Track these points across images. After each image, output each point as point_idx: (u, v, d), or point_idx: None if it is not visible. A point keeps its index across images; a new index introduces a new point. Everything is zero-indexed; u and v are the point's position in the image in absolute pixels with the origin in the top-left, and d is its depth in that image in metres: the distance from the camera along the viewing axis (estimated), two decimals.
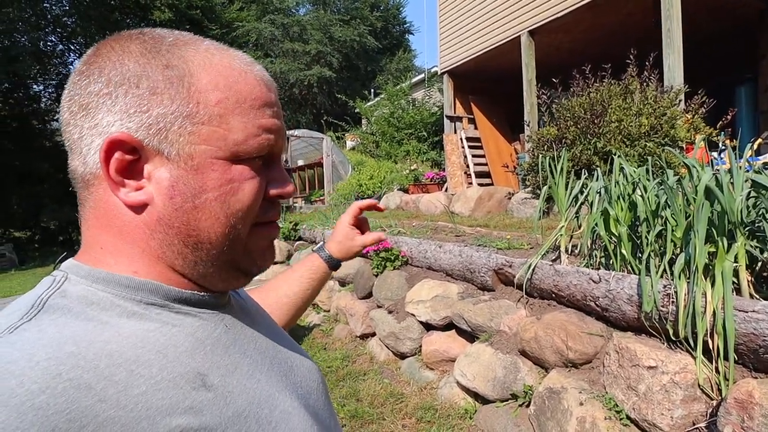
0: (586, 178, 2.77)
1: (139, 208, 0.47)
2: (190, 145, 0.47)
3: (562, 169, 2.78)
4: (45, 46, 17.66)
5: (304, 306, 0.95)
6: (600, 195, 2.42)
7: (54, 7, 17.77)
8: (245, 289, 0.74)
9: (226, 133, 0.48)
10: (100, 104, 0.46)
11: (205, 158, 0.48)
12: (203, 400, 0.43)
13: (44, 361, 0.37)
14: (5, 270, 13.11)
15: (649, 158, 2.88)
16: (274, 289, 0.93)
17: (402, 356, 3.41)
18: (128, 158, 0.46)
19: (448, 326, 3.10)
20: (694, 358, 1.70)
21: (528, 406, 2.25)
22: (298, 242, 6.39)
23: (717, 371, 1.66)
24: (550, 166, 2.83)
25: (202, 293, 0.52)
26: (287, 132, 12.53)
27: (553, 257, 2.74)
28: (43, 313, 0.42)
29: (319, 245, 1.02)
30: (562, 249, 2.66)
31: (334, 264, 0.99)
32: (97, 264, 0.48)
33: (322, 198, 10.72)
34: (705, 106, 4.22)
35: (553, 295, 2.49)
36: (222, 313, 0.53)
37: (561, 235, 2.68)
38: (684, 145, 3.97)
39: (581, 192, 2.71)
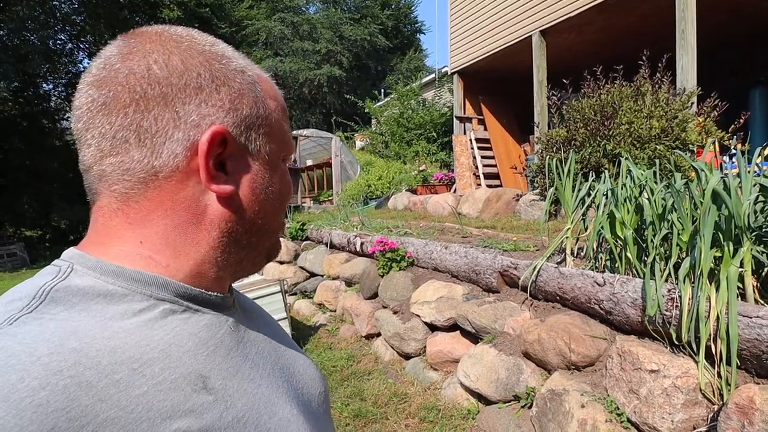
0: (593, 181, 2.76)
1: (225, 199, 0.50)
2: (266, 145, 0.53)
3: (569, 171, 2.77)
4: (54, 44, 17.76)
5: None
6: (606, 197, 2.40)
7: (63, 5, 17.87)
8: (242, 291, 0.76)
9: (283, 135, 0.56)
10: (188, 97, 0.47)
11: (275, 156, 0.55)
12: (204, 402, 0.43)
13: (46, 356, 0.36)
14: (17, 268, 13.29)
15: (658, 161, 2.85)
16: None
17: (407, 356, 3.41)
18: (218, 151, 0.49)
19: (453, 327, 3.11)
20: (697, 362, 1.69)
21: (530, 407, 2.24)
22: (305, 242, 6.42)
23: (719, 376, 1.65)
24: (557, 168, 2.82)
25: (210, 293, 0.51)
26: (296, 131, 12.61)
27: (559, 260, 2.74)
28: (45, 305, 0.40)
29: None
30: (568, 251, 2.65)
31: None
32: (115, 257, 0.46)
33: (330, 198, 10.75)
34: (717, 109, 4.16)
35: (558, 298, 2.48)
36: (226, 313, 0.53)
37: (567, 237, 2.67)
38: (695, 149, 3.92)
39: (588, 194, 2.69)
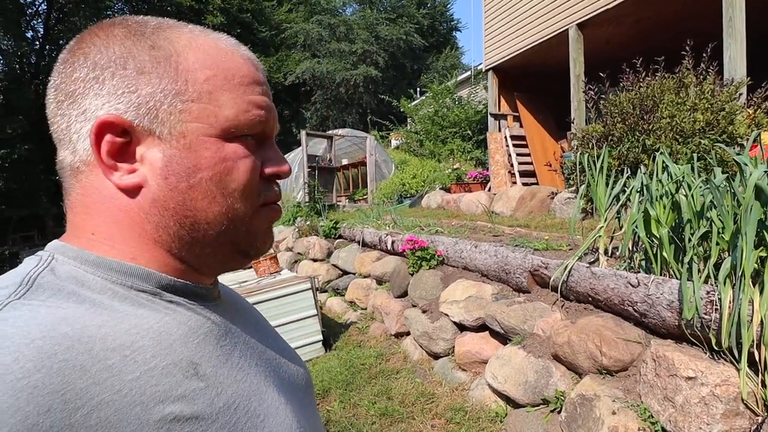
0: (628, 177, 2.64)
1: (133, 192, 0.47)
2: (181, 124, 0.47)
3: (602, 167, 2.66)
4: None
5: None
6: (641, 194, 2.29)
7: (116, 14, 18.83)
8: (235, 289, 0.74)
9: (217, 109, 0.48)
10: (87, 89, 0.46)
11: (197, 136, 0.47)
12: (195, 389, 0.43)
13: (39, 339, 0.36)
14: None
15: (699, 156, 2.70)
16: None
17: (435, 356, 3.38)
18: (119, 141, 0.46)
19: (482, 327, 3.05)
20: (738, 370, 1.58)
21: (559, 412, 2.17)
22: (338, 240, 6.47)
23: (763, 385, 1.53)
24: (589, 164, 2.72)
25: (194, 284, 0.51)
26: (331, 131, 12.72)
27: (592, 259, 2.63)
28: (32, 292, 0.41)
29: None
30: (601, 251, 2.54)
31: None
32: (89, 248, 0.47)
33: (365, 197, 10.79)
34: None
35: (590, 299, 2.38)
36: (213, 306, 0.53)
37: (600, 236, 2.57)
38: (744, 143, 3.69)
39: (623, 191, 2.58)
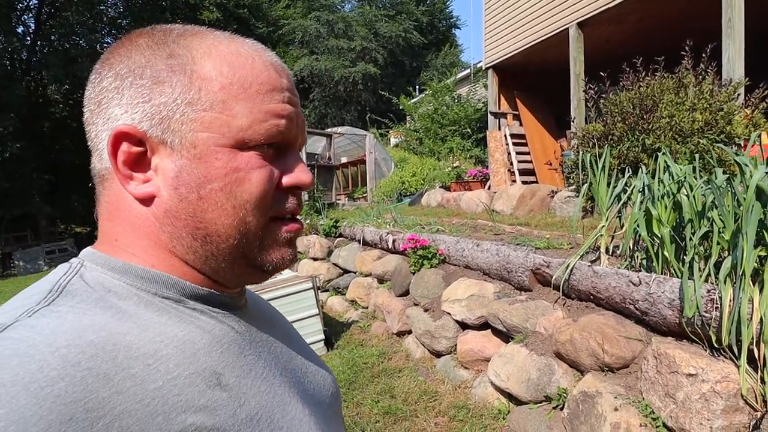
0: (629, 176, 2.67)
1: (147, 201, 0.47)
2: (192, 133, 0.46)
3: (603, 166, 2.69)
4: (101, 47, 18.52)
5: None
6: (642, 194, 2.32)
7: (110, 10, 18.72)
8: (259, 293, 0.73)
9: (230, 119, 0.46)
10: (110, 99, 0.47)
11: (208, 146, 0.46)
12: (218, 399, 0.43)
13: (64, 347, 0.36)
14: None
15: (698, 156, 2.73)
16: None
17: (437, 354, 3.41)
18: (135, 150, 0.46)
19: (484, 326, 3.08)
20: (738, 366, 1.61)
21: (561, 409, 2.20)
22: (338, 239, 6.49)
23: (762, 381, 1.57)
24: (591, 163, 2.75)
25: (219, 293, 0.51)
26: (330, 129, 12.70)
27: (593, 258, 2.66)
28: (61, 298, 0.41)
29: None
30: (602, 250, 2.57)
31: None
32: (115, 255, 0.48)
33: (364, 195, 10.80)
34: (767, 100, 3.94)
35: (591, 297, 2.42)
36: (238, 315, 0.53)
37: (601, 235, 2.60)
38: (742, 142, 3.73)
39: (624, 191, 2.61)
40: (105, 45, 19.37)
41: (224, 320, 0.50)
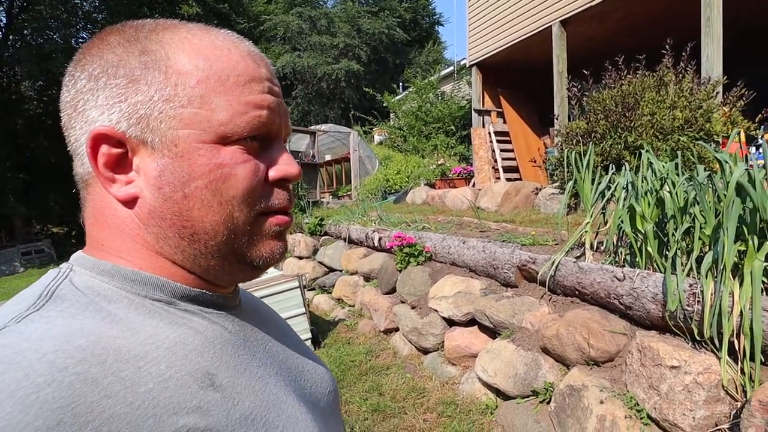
0: (613, 173, 2.71)
1: (130, 203, 0.46)
2: (172, 131, 0.45)
3: (588, 163, 2.73)
4: (77, 42, 17.88)
5: None
6: (626, 191, 2.36)
7: (85, 3, 18.21)
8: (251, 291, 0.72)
9: (209, 113, 0.45)
10: (86, 101, 0.46)
11: (190, 143, 0.45)
12: (211, 400, 0.42)
13: (51, 353, 0.36)
14: (45, 264, 13.65)
15: (681, 153, 2.79)
16: None
17: (425, 351, 3.42)
18: (115, 152, 0.45)
19: (471, 322, 3.10)
20: (719, 358, 1.66)
21: (548, 403, 2.23)
22: (324, 237, 6.47)
23: (742, 372, 1.61)
24: (576, 160, 2.78)
25: (211, 293, 0.50)
26: (314, 127, 12.63)
27: (578, 254, 2.70)
28: (51, 303, 0.41)
29: None
30: (587, 246, 2.61)
31: None
32: (103, 258, 0.47)
33: (349, 193, 10.79)
34: (744, 98, 4.04)
35: (577, 293, 2.45)
36: (231, 314, 0.52)
37: (586, 231, 2.64)
38: (720, 140, 3.82)
39: (608, 187, 2.65)
40: (80, 40, 18.76)
41: (217, 320, 0.49)
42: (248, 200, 0.47)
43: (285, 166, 0.50)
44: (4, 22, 17.19)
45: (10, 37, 17.30)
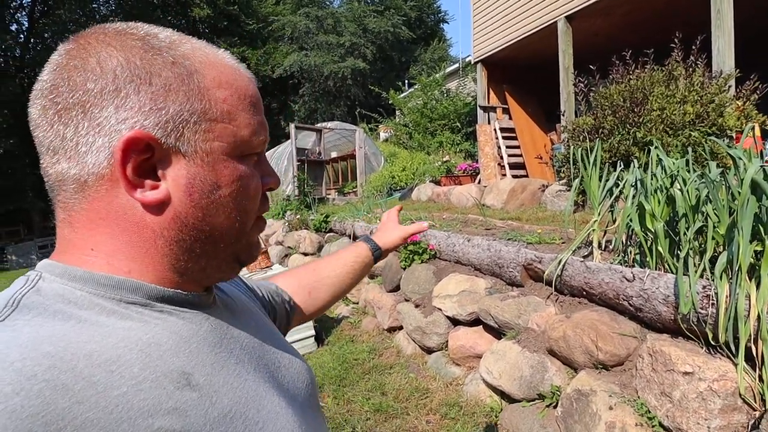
0: (621, 170, 2.63)
1: (155, 207, 0.46)
2: (206, 142, 0.47)
3: (595, 160, 2.65)
4: None
5: (346, 289, 1.00)
6: (635, 188, 2.28)
7: (102, 8, 18.55)
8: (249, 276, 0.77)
9: (236, 130, 0.49)
10: (105, 102, 0.44)
11: (219, 155, 0.48)
12: (187, 400, 0.42)
13: (18, 361, 0.35)
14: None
15: (692, 149, 2.70)
16: (322, 268, 0.98)
17: (428, 351, 3.36)
18: (143, 157, 0.45)
19: (475, 322, 3.04)
20: (736, 364, 1.58)
21: (555, 407, 2.16)
22: (328, 234, 6.42)
23: (761, 380, 1.54)
24: (582, 157, 2.70)
25: (186, 292, 0.50)
26: (320, 124, 12.60)
27: (585, 253, 2.63)
28: (17, 313, 0.40)
29: (364, 236, 1.09)
30: (595, 245, 2.54)
31: (377, 253, 1.05)
32: (79, 264, 0.46)
33: (354, 190, 10.73)
34: (758, 92, 3.93)
35: (584, 293, 2.38)
36: (207, 312, 0.53)
37: (594, 230, 2.56)
38: (733, 135, 3.72)
39: (616, 185, 2.57)
40: None
41: (192, 319, 0.50)
42: (254, 209, 0.53)
43: (274, 178, 0.57)
44: (26, 26, 17.63)
45: (31, 40, 17.70)
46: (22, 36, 17.63)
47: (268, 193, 0.57)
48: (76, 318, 0.41)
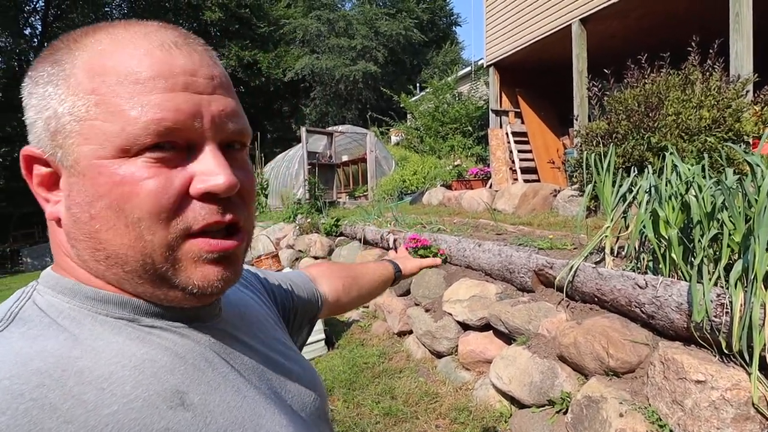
0: (635, 176, 2.61)
1: (58, 222, 0.44)
2: (74, 147, 0.40)
3: (609, 165, 2.64)
4: None
5: (364, 300, 1.03)
6: (649, 194, 2.26)
7: (114, 11, 18.82)
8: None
9: (105, 124, 0.39)
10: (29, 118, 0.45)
11: (90, 160, 0.40)
12: (180, 420, 0.40)
13: (6, 379, 0.34)
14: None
15: (708, 154, 2.67)
16: (360, 276, 1.01)
17: (438, 355, 3.36)
18: (45, 171, 0.43)
19: (486, 327, 3.03)
20: (749, 374, 1.56)
21: (565, 413, 2.15)
22: (339, 238, 6.44)
23: None
24: (596, 162, 2.69)
25: (181, 307, 0.47)
26: (331, 128, 12.65)
27: (597, 259, 2.61)
28: (13, 325, 0.40)
29: (389, 259, 1.16)
30: (607, 251, 2.52)
31: (398, 275, 1.12)
32: (68, 274, 0.46)
33: (365, 194, 10.75)
34: None
35: (596, 299, 2.36)
36: (209, 324, 0.50)
37: (606, 236, 2.54)
38: (751, 141, 3.66)
39: (630, 191, 2.55)
40: None
41: (189, 334, 0.47)
42: (160, 220, 0.41)
43: (206, 177, 0.42)
44: (40, 29, 17.92)
45: (45, 44, 18.03)
46: (35, 40, 17.96)
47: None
48: (68, 332, 0.41)
